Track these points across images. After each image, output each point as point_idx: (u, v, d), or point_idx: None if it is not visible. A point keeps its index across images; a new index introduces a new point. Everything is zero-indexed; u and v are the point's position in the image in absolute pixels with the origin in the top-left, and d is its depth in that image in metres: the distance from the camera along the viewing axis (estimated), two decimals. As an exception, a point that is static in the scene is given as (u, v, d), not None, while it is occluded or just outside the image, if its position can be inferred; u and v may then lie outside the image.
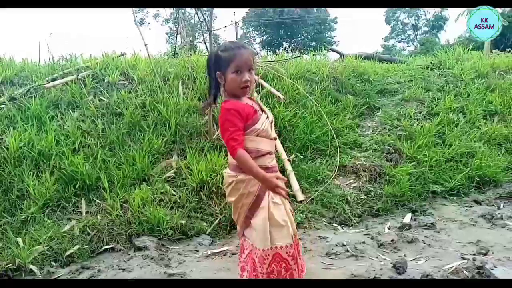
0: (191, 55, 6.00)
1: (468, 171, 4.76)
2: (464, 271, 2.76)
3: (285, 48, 32.37)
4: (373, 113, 5.79)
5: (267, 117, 2.19)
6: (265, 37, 34.50)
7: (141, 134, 4.54)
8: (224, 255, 3.34)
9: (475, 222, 3.90)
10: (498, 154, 5.19)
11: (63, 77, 5.21)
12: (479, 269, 2.74)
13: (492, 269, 2.65)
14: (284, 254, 2.12)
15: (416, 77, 6.67)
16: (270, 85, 5.53)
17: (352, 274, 2.84)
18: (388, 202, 4.25)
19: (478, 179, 4.75)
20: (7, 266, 3.11)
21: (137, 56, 5.85)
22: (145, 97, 4.95)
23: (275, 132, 4.63)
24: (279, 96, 5.27)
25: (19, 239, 3.38)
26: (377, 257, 3.15)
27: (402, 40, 41.07)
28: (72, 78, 5.12)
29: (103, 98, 4.93)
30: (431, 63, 7.33)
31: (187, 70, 5.53)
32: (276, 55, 6.94)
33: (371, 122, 5.59)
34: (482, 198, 4.55)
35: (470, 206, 4.34)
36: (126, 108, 4.75)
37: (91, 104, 4.78)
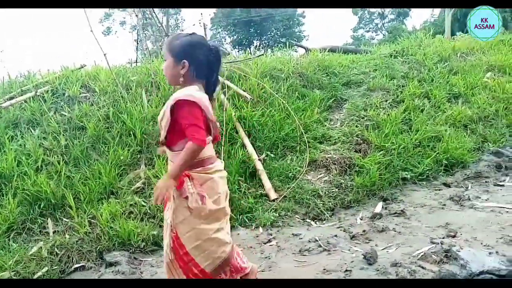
0: (152, 61, 5.87)
1: (436, 155, 4.85)
2: (433, 256, 2.80)
3: (256, 46, 32.33)
4: (341, 105, 5.83)
5: None
6: (235, 37, 34.41)
7: (106, 147, 4.43)
8: (197, 262, 3.30)
9: (444, 205, 3.97)
10: (464, 136, 5.31)
11: (21, 95, 5.04)
12: (446, 252, 2.78)
13: (458, 251, 2.70)
14: None
15: (381, 66, 6.74)
16: (236, 86, 5.49)
17: (324, 269, 2.84)
18: (359, 192, 4.28)
19: (446, 162, 4.85)
20: (-30, 297, 2.98)
21: (98, 67, 5.70)
22: (108, 108, 4.84)
23: (244, 132, 4.69)
24: (246, 96, 5.24)
25: (-17, 267, 3.26)
26: (349, 250, 3.17)
27: (370, 30, 41.42)
28: (30, 95, 4.96)
29: (64, 113, 4.79)
30: (394, 51, 7.42)
31: (150, 77, 5.43)
32: (247, 53, 6.85)
33: (339, 114, 5.62)
34: (451, 181, 4.65)
35: (439, 190, 4.43)
36: (89, 121, 4.63)
37: (52, 120, 4.64)
